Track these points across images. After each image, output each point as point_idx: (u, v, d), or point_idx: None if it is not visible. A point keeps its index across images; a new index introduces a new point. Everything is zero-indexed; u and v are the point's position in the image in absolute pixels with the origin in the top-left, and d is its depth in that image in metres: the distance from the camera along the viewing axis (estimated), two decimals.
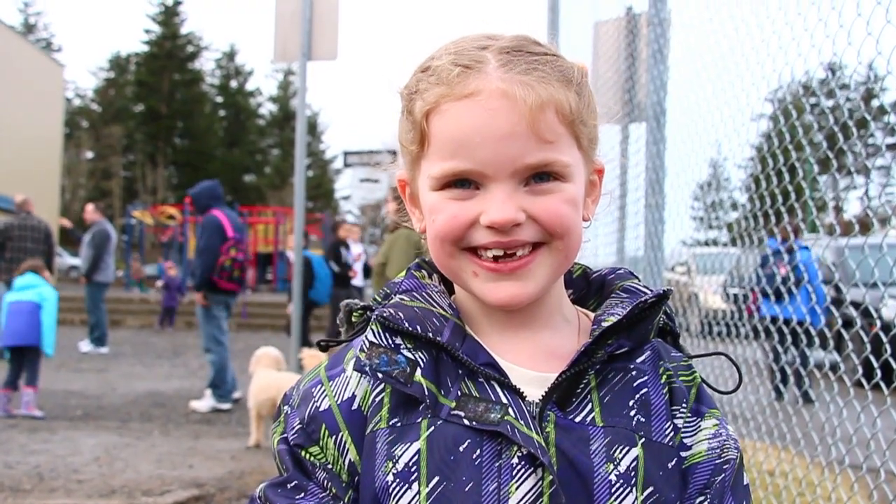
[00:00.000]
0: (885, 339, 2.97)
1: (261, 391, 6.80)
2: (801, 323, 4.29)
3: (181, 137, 58.42)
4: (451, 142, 1.01)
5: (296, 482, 1.08)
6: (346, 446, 1.06)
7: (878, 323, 3.24)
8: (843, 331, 3.56)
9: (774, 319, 4.76)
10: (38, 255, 12.73)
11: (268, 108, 64.47)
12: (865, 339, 3.11)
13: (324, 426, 1.07)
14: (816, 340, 4.03)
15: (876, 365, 2.93)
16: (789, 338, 4.23)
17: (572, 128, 1.03)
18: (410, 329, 1.04)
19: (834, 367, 3.70)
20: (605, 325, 1.06)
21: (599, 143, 1.13)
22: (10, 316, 8.29)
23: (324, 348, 1.17)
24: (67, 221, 20.95)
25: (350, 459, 1.06)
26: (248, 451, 6.86)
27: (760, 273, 6.24)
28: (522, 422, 1.00)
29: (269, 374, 7.04)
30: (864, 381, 3.09)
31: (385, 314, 1.06)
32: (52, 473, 5.94)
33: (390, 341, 1.05)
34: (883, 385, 2.94)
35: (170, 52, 57.37)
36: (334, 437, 1.06)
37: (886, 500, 2.91)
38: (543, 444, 0.99)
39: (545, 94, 1.00)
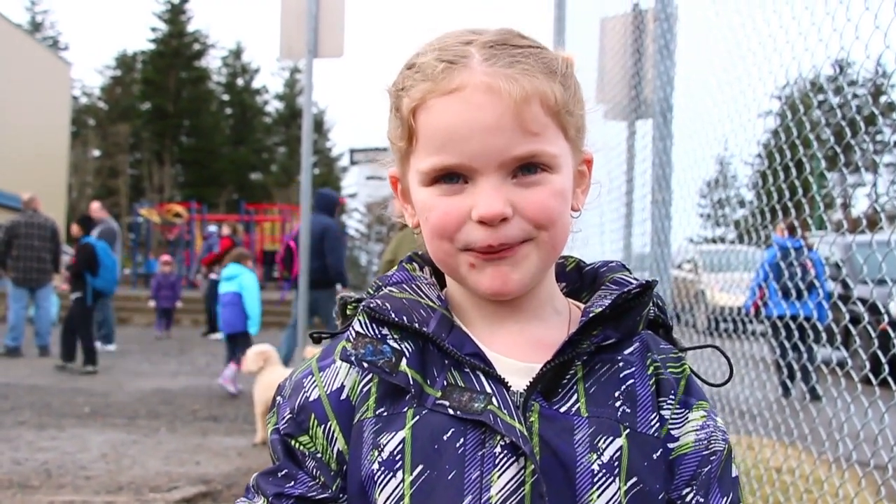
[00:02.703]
0: (893, 335, 2.96)
1: (269, 388, 6.81)
2: (808, 319, 4.28)
3: (188, 135, 58.44)
4: (438, 136, 1.02)
5: (286, 471, 1.10)
6: (335, 435, 1.08)
7: (886, 318, 3.23)
8: (850, 327, 3.55)
9: (781, 317, 4.75)
10: (44, 253, 12.81)
11: (274, 106, 64.48)
12: (873, 334, 3.10)
13: (313, 416, 1.09)
14: (824, 336, 4.02)
15: (884, 360, 2.92)
16: (796, 334, 4.22)
17: (558, 118, 1.04)
18: (396, 319, 1.05)
19: (841, 364, 3.69)
20: (591, 315, 1.07)
21: (592, 131, 1.14)
22: (221, 307, 9.98)
23: (317, 340, 1.19)
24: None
25: (338, 448, 1.08)
26: (255, 447, 6.88)
27: (775, 269, 6.20)
28: (505, 411, 1.01)
29: (276, 370, 7.05)
30: (871, 377, 3.08)
31: (372, 305, 1.07)
32: (61, 470, 5.97)
33: (376, 332, 1.06)
34: (891, 381, 2.93)
35: (176, 50, 57.42)
36: (323, 426, 1.08)
37: (894, 496, 2.90)
38: (526, 433, 1.00)
39: (529, 86, 1.01)
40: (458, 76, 1.01)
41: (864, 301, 3.49)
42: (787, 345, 4.71)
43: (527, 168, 1.02)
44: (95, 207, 14.33)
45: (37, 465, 6.08)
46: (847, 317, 3.75)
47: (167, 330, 17.25)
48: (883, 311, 3.66)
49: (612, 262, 1.21)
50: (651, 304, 1.14)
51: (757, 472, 4.31)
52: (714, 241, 8.24)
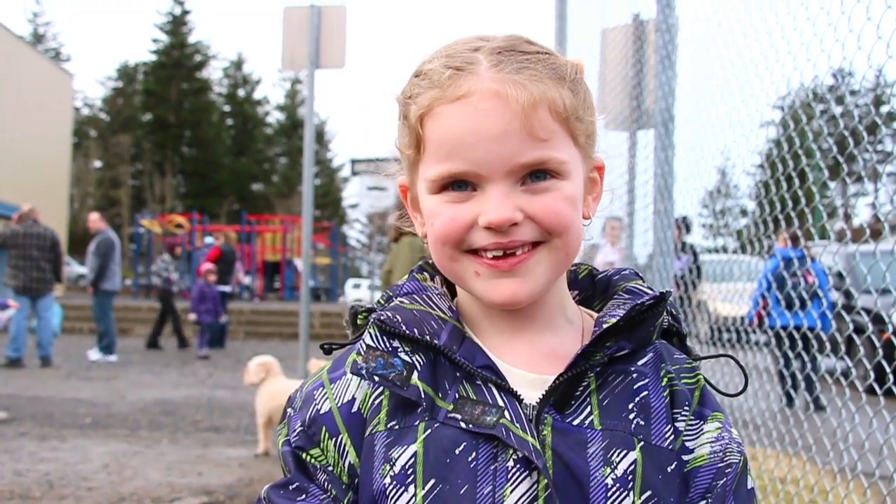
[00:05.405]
0: None
1: (271, 399, 6.79)
2: (811, 329, 4.28)
3: (189, 146, 58.62)
4: (446, 144, 1.01)
5: (297, 483, 1.09)
6: (346, 449, 1.06)
7: (890, 328, 3.22)
8: (854, 336, 3.55)
9: (784, 327, 4.74)
10: (44, 263, 12.78)
11: (275, 117, 64.75)
12: (877, 344, 3.09)
13: (324, 428, 1.08)
14: (828, 346, 4.02)
15: (888, 370, 2.91)
16: (800, 344, 4.21)
17: (567, 125, 1.03)
18: (407, 332, 1.04)
19: (845, 373, 3.69)
20: (605, 326, 1.05)
21: (598, 140, 1.12)
22: None
23: (327, 351, 1.17)
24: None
25: (350, 462, 1.06)
26: (257, 458, 6.86)
27: (778, 279, 6.19)
28: (518, 424, 0.99)
29: (278, 381, 7.04)
30: (875, 387, 3.07)
31: (382, 317, 1.06)
32: (62, 481, 5.95)
33: (387, 344, 1.05)
34: (895, 390, 2.92)
35: (178, 61, 57.65)
36: (334, 439, 1.07)
37: None
38: (539, 447, 0.99)
39: (537, 92, 0.99)
40: (466, 83, 1.00)
41: (867, 310, 3.48)
42: (790, 355, 4.70)
43: (536, 175, 1.01)
44: (94, 218, 14.34)
45: (38, 476, 6.06)
46: (850, 326, 3.74)
47: (208, 347, 15.36)
48: (887, 320, 3.65)
49: (625, 269, 1.19)
50: (665, 314, 1.12)
51: (761, 483, 4.29)
52: (716, 250, 8.24)
